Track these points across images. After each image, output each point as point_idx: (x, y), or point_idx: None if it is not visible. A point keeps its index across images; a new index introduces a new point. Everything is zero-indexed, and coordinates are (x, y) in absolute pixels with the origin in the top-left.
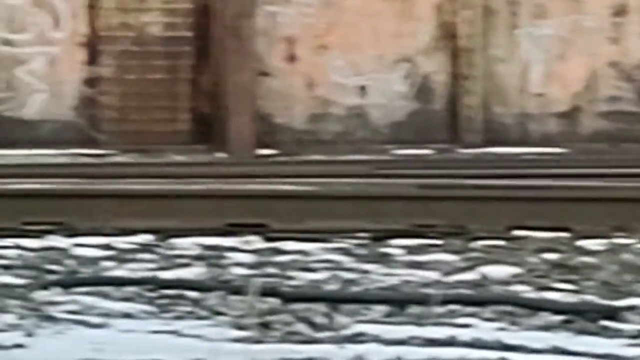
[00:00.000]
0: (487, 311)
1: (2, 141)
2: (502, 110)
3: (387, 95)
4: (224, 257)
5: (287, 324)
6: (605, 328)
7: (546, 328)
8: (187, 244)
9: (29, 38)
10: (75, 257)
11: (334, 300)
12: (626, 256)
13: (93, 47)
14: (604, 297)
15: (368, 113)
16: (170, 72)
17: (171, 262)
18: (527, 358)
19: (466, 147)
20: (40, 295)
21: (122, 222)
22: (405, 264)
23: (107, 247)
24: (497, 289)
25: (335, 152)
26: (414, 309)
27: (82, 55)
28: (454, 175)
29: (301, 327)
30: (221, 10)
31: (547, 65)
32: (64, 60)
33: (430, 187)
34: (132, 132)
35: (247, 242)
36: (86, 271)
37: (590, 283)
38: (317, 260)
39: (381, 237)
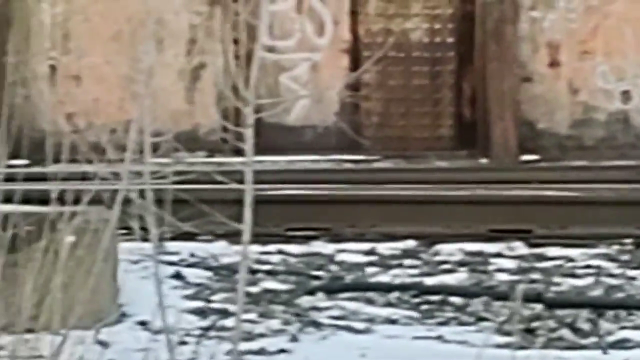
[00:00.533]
0: None
1: (265, 147)
2: None
3: None
4: (487, 263)
5: (552, 330)
6: None
7: None
8: (451, 250)
9: (292, 44)
10: (339, 263)
11: (599, 307)
12: None
13: (355, 53)
14: None
15: (631, 118)
16: (432, 78)
17: (435, 268)
18: None
19: None
20: (305, 300)
21: (386, 227)
22: None
23: (370, 252)
24: None
25: (598, 157)
26: None
27: (344, 61)
28: None
29: (566, 333)
30: (484, 16)
31: None
32: (327, 67)
33: None
34: (394, 137)
35: (510, 248)
36: (350, 277)
37: None
38: (581, 266)
39: None
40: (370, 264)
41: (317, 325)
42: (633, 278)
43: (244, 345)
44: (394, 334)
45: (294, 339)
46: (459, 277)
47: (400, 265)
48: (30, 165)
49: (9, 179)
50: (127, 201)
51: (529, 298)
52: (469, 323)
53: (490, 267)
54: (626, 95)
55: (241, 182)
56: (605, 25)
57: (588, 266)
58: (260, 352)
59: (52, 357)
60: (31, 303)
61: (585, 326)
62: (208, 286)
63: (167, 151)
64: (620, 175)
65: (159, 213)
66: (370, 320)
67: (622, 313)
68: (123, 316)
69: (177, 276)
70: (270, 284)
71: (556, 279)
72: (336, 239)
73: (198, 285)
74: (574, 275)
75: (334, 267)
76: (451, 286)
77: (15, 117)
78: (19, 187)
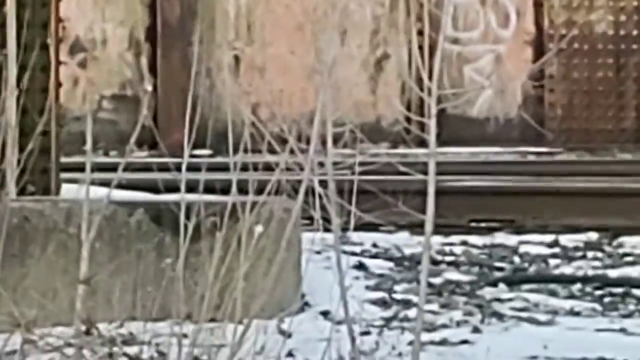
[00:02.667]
0: None
1: (448, 139)
2: None
3: None
4: None
5: None
6: None
7: None
8: (634, 243)
9: (476, 36)
10: (522, 255)
11: None
12: None
13: (539, 45)
14: None
15: None
16: (616, 71)
17: (618, 260)
18: None
19: None
20: (487, 292)
21: (569, 219)
22: None
23: (553, 244)
24: None
25: None
26: None
27: (528, 53)
28: None
29: None
30: None
31: None
32: (510, 58)
33: None
34: (578, 130)
35: None
36: (532, 269)
37: None
38: None
39: None
40: (553, 255)
41: (499, 316)
42: None
43: (426, 336)
44: (577, 326)
45: (476, 330)
46: None
47: (583, 257)
48: (213, 155)
49: (193, 168)
50: (309, 191)
51: None
52: None
53: None
54: None
55: (424, 173)
56: None
57: None
58: (442, 343)
59: (235, 346)
60: (214, 292)
61: None
62: (390, 277)
63: (350, 142)
64: None
65: (342, 203)
66: (553, 312)
67: None
68: (305, 306)
69: (360, 266)
70: (453, 275)
71: None
72: (519, 230)
73: (380, 275)
74: None
75: (516, 259)
76: (635, 279)
77: (199, 108)
78: (203, 176)
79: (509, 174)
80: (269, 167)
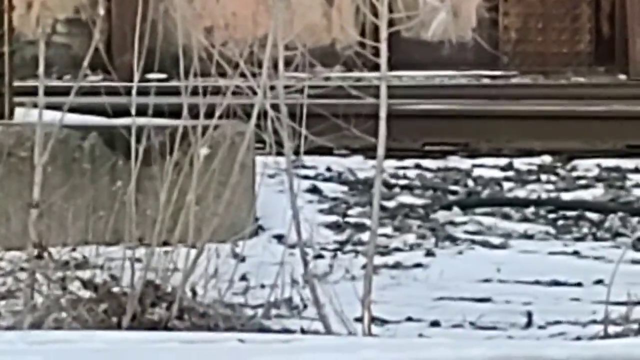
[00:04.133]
0: None
1: (402, 62)
2: None
3: None
4: (625, 179)
5: None
6: None
7: None
8: (588, 166)
9: None
10: (475, 178)
11: None
12: None
13: None
14: None
15: None
16: None
17: (571, 183)
18: None
19: None
20: (441, 215)
21: (522, 143)
22: None
23: (507, 168)
24: None
25: None
26: None
27: None
28: None
29: None
30: None
31: None
32: None
33: None
34: (532, 53)
35: None
36: (486, 192)
37: None
38: None
39: None
40: (507, 179)
41: (452, 239)
42: None
43: (379, 260)
44: (530, 249)
45: (429, 253)
46: (596, 193)
47: (536, 181)
48: (167, 79)
49: (144, 92)
50: (261, 115)
51: None
52: (605, 239)
53: (628, 183)
54: None
55: (376, 96)
56: None
57: None
58: (396, 266)
59: (188, 270)
60: (166, 216)
61: None
62: (344, 200)
63: (303, 66)
64: None
65: (294, 127)
66: (506, 235)
67: None
68: (259, 229)
69: (313, 190)
70: (406, 199)
71: None
72: (473, 154)
73: (334, 199)
74: None
75: (470, 182)
76: (588, 202)
77: (152, 32)
78: (152, 100)
79: (463, 97)
80: (221, 91)
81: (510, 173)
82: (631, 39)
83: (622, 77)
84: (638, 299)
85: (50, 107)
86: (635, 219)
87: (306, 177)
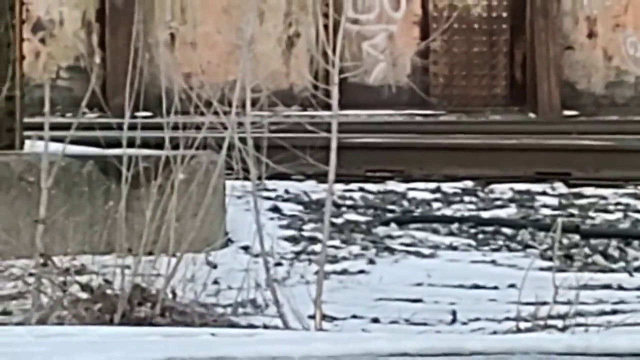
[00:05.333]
0: None
1: (349, 103)
2: None
3: None
4: (533, 200)
5: (586, 256)
6: None
7: None
8: (503, 189)
9: (372, 17)
10: (409, 199)
11: (626, 237)
12: None
13: (425, 26)
14: None
15: None
16: (489, 46)
17: (489, 204)
18: None
19: None
20: (380, 230)
21: (448, 170)
22: None
23: (435, 191)
24: None
25: (627, 113)
26: None
27: (416, 32)
28: None
29: (598, 259)
30: (535, 11)
31: None
32: (401, 37)
33: None
34: (457, 95)
35: (552, 188)
36: (418, 211)
37: None
38: (612, 204)
39: None
40: (435, 200)
41: (390, 250)
42: None
43: (329, 267)
44: (455, 258)
45: (371, 262)
46: (509, 212)
47: (460, 202)
48: (152, 116)
49: (133, 127)
50: (231, 146)
51: (568, 229)
52: (517, 250)
53: (536, 204)
54: None
55: (328, 131)
56: (634, 3)
57: (618, 203)
58: (343, 272)
59: (169, 275)
60: (151, 230)
61: (615, 253)
62: (300, 218)
63: (266, 105)
64: None
65: (259, 156)
66: (435, 247)
67: None
68: (229, 242)
69: (274, 209)
70: (352, 216)
71: (591, 214)
72: (407, 179)
73: (291, 216)
74: (605, 211)
75: (405, 203)
76: (503, 219)
77: (140, 77)
78: (139, 134)
79: (399, 132)
80: (197, 127)
81: (438, 195)
82: (539, 85)
83: (532, 115)
84: (544, 300)
85: (54, 139)
86: (542, 234)
87: (268, 198)
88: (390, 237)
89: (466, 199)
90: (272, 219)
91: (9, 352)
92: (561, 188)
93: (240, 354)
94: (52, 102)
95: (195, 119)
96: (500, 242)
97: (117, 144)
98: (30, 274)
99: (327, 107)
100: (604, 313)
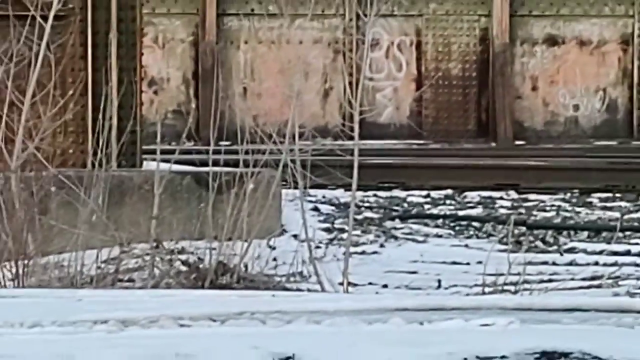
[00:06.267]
0: None
1: (366, 135)
2: None
3: (590, 110)
4: (494, 203)
5: (531, 242)
6: None
7: None
8: (473, 196)
9: (383, 76)
10: (408, 202)
11: (559, 228)
12: None
13: (419, 82)
14: None
15: (579, 120)
16: (464, 97)
17: (464, 205)
18: None
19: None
20: (388, 224)
21: (435, 182)
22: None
23: (427, 196)
24: None
25: (559, 143)
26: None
27: (413, 86)
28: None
29: (539, 244)
30: (494, 61)
31: None
32: (403, 89)
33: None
34: (441, 130)
35: (507, 195)
36: (414, 210)
37: None
38: (549, 206)
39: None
40: (426, 202)
41: (395, 238)
42: (579, 212)
43: (353, 249)
44: (439, 243)
45: (381, 246)
46: (477, 211)
47: (443, 204)
48: (230, 145)
49: (217, 152)
50: (285, 166)
51: (518, 223)
52: (483, 237)
53: (496, 205)
54: (576, 107)
55: (352, 155)
56: (564, 67)
57: (552, 205)
58: (362, 253)
59: (243, 254)
60: (230, 223)
61: (551, 240)
62: (332, 215)
63: (309, 137)
64: (572, 152)
65: (304, 173)
66: (426, 235)
67: (572, 232)
68: (283, 232)
69: (314, 209)
70: (368, 214)
71: (534, 212)
72: (407, 188)
73: (326, 214)
74: (544, 211)
75: (405, 205)
76: (473, 216)
77: (221, 117)
78: (222, 157)
79: (401, 155)
80: (261, 152)
81: (428, 199)
82: (498, 123)
83: (493, 144)
84: (502, 272)
85: (163, 160)
86: (500, 226)
87: (310, 202)
88: (395, 228)
89: (447, 202)
90: (313, 215)
91: (132, 307)
92: (513, 194)
93: (292, 309)
94: (162, 135)
95: (260, 147)
96: (471, 232)
97: (206, 164)
98: (147, 254)
99: (351, 138)
100: (542, 281)
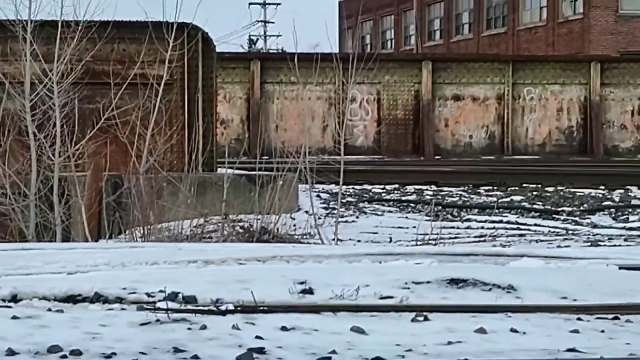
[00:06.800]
0: None
1: (347, 152)
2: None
3: (479, 138)
4: (423, 193)
5: (445, 215)
6: None
7: None
8: (410, 188)
9: (357, 118)
10: (373, 192)
11: (461, 207)
12: None
13: (379, 122)
14: None
15: (473, 144)
16: (404, 130)
17: (404, 194)
18: None
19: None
20: (361, 205)
21: (389, 180)
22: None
23: (383, 189)
24: None
25: (460, 157)
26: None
27: (375, 124)
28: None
29: (449, 216)
30: (423, 109)
31: None
32: (370, 126)
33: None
34: (392, 150)
35: (430, 188)
36: (376, 197)
37: None
38: (454, 194)
39: (478, 184)
40: (383, 192)
41: (365, 213)
42: (472, 197)
43: (340, 219)
44: (391, 216)
45: (357, 217)
46: (413, 197)
47: (393, 193)
48: (269, 158)
49: (260, 163)
50: (300, 171)
51: (437, 204)
52: (416, 212)
53: (424, 194)
54: (470, 136)
55: (339, 164)
56: (463, 113)
57: (457, 193)
58: (345, 221)
59: (275, 223)
60: (268, 204)
61: (456, 214)
62: (328, 200)
63: (315, 154)
64: (468, 163)
65: (312, 175)
66: (383, 212)
67: (468, 209)
68: (299, 209)
69: (318, 196)
70: (349, 199)
71: (447, 198)
72: (372, 184)
73: (325, 199)
74: (452, 197)
75: (371, 193)
76: (410, 200)
77: (263, 143)
78: (264, 166)
79: (369, 164)
80: (286, 163)
81: (384, 190)
82: (425, 145)
83: (422, 158)
84: (427, 233)
85: (229, 168)
86: (426, 206)
87: (315, 192)
88: (364, 207)
89: (395, 192)
90: (316, 200)
91: (210, 253)
92: (434, 187)
93: (304, 254)
94: (228, 153)
95: (285, 160)
96: (409, 209)
97: (254, 169)
98: (219, 222)
99: (339, 154)
100: (451, 238)
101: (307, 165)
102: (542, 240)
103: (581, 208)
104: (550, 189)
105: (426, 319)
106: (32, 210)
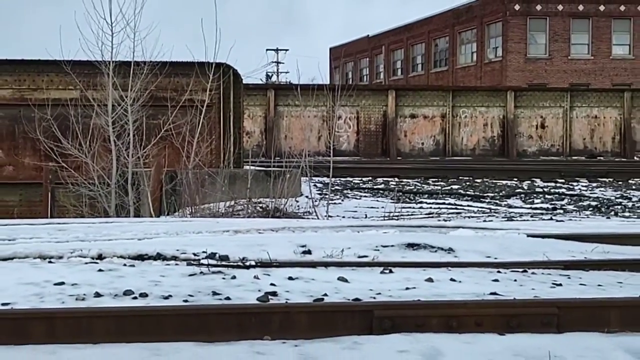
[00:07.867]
0: None
1: (335, 154)
2: None
3: (429, 145)
4: (389, 183)
5: (405, 198)
6: None
7: None
8: (380, 180)
9: (342, 130)
10: (354, 183)
11: (416, 193)
12: None
13: (358, 132)
14: None
15: (424, 149)
16: (375, 139)
17: (377, 184)
18: None
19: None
20: (346, 192)
21: (366, 174)
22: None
23: (362, 180)
24: None
25: (416, 158)
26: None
27: (355, 134)
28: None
29: (408, 200)
30: (388, 124)
31: None
32: (351, 136)
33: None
34: (368, 152)
35: (395, 180)
36: (356, 186)
37: None
38: (411, 184)
39: (427, 177)
40: (361, 183)
41: (347, 197)
42: (424, 186)
43: (330, 202)
44: (366, 200)
45: (342, 200)
46: (383, 186)
47: (368, 183)
48: (280, 159)
49: (274, 162)
50: (303, 168)
51: (400, 191)
52: (385, 197)
53: (390, 184)
54: (422, 143)
55: (329, 162)
56: (417, 127)
57: (413, 184)
58: (334, 203)
59: (286, 204)
60: (279, 190)
61: (412, 198)
62: (322, 188)
63: (313, 155)
64: (420, 162)
65: (311, 171)
66: (360, 196)
67: (421, 195)
68: (301, 194)
69: (315, 185)
70: (336, 187)
71: (405, 187)
72: (353, 176)
73: (320, 188)
74: (409, 185)
75: (352, 184)
76: (380, 188)
77: (276, 147)
78: (276, 164)
79: (351, 163)
80: (292, 162)
81: (361, 181)
82: (390, 149)
83: (388, 159)
84: (392, 211)
85: (252, 165)
86: (391, 192)
87: (313, 182)
88: (348, 194)
89: (369, 182)
90: (314, 188)
91: (239, 225)
92: (397, 179)
93: (305, 226)
94: (251, 155)
95: (291, 160)
96: (379, 195)
97: (269, 166)
98: (245, 204)
99: (329, 156)
100: (409, 215)
101: (306, 163)
102: (472, 217)
103: (500, 194)
104: (479, 180)
105: (391, 271)
106: (113, 195)
